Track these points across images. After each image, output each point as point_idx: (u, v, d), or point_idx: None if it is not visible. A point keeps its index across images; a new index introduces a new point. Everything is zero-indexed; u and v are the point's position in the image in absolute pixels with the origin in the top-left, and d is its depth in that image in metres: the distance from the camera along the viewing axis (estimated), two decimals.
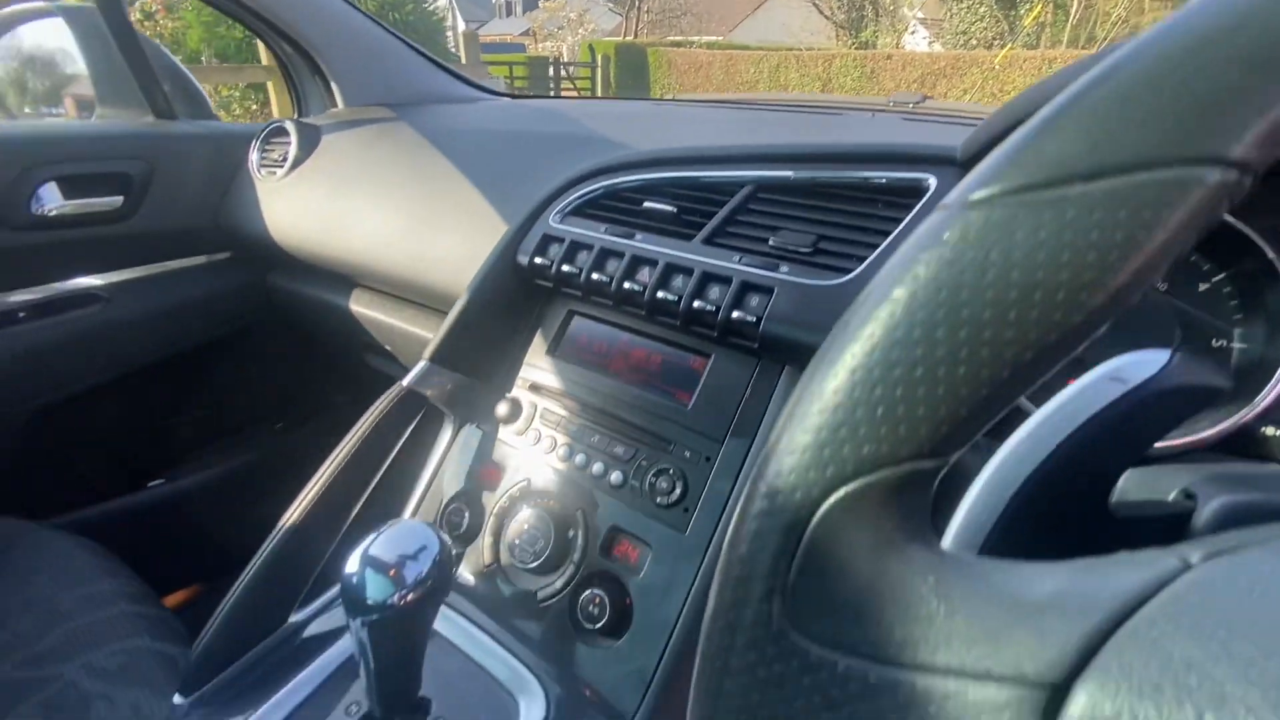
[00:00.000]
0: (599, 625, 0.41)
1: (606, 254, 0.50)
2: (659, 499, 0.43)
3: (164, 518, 0.95)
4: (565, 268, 0.51)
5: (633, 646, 0.40)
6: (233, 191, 0.94)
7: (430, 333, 0.79)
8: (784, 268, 0.43)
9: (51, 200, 0.81)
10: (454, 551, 0.32)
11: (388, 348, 0.87)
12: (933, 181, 0.42)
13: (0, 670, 0.55)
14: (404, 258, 0.76)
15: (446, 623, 0.42)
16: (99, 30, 0.92)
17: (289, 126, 0.92)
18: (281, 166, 0.90)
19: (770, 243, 0.45)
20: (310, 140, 0.91)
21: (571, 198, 0.55)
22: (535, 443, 0.50)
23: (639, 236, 0.50)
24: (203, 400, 1.03)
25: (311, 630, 0.44)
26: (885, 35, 12.73)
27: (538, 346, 0.55)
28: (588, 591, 0.42)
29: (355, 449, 0.48)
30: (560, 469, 0.48)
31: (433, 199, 0.77)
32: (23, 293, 0.82)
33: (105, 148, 0.85)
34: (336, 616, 0.45)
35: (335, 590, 0.47)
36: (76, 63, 0.93)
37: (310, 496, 0.46)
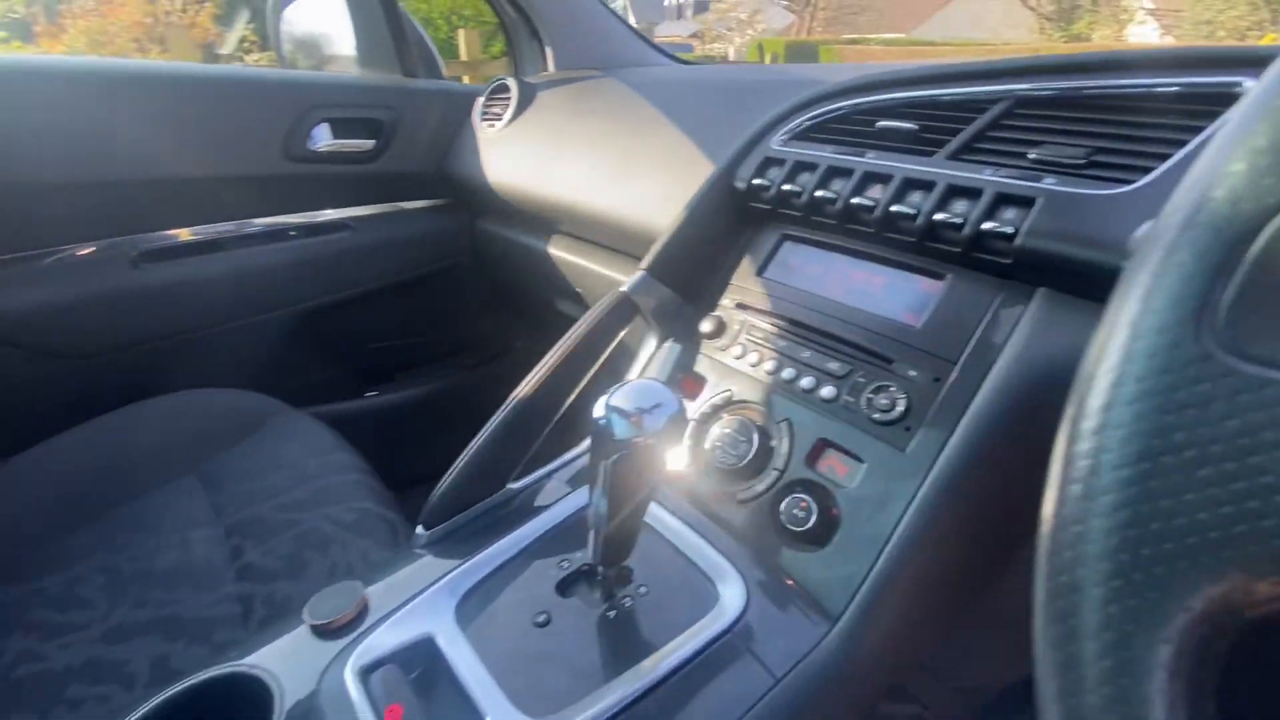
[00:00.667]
0: (803, 529, 0.40)
1: (834, 172, 0.49)
2: (876, 415, 0.41)
3: (371, 424, 1.09)
4: (787, 187, 0.50)
5: (840, 554, 0.38)
6: (457, 143, 1.06)
7: (622, 275, 0.83)
8: (1048, 180, 0.39)
9: (323, 138, 0.96)
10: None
11: (579, 290, 0.93)
12: (1248, 84, 0.36)
13: (263, 510, 0.67)
14: (605, 201, 0.80)
15: (653, 509, 0.44)
16: (366, 2, 1.08)
17: (510, 84, 1.01)
18: (500, 120, 1.00)
19: (1030, 156, 0.41)
20: (527, 96, 1.00)
21: (795, 123, 0.55)
22: (739, 357, 0.50)
23: (870, 155, 0.49)
24: (410, 328, 1.16)
25: (524, 498, 0.48)
26: (1104, 27, 11.20)
27: (746, 268, 0.55)
28: (791, 496, 0.41)
29: (574, 345, 0.52)
30: (764, 382, 0.48)
31: (635, 145, 0.81)
32: (294, 216, 0.98)
33: (366, 97, 1.00)
34: (548, 490, 0.48)
35: (548, 467, 0.50)
36: (346, 28, 1.10)
37: (533, 382, 0.49)
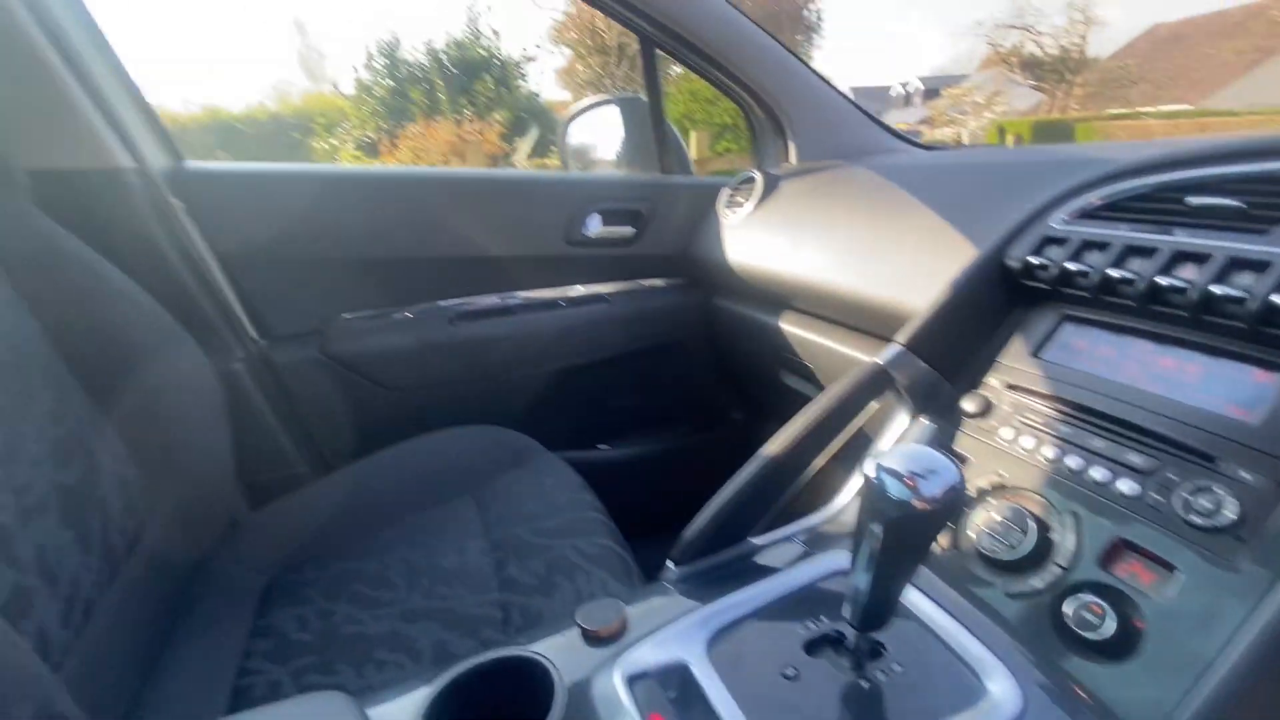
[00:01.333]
0: (1095, 638, 0.36)
1: (1132, 251, 0.45)
2: (1195, 519, 0.36)
3: (605, 472, 1.20)
4: (1072, 266, 0.48)
5: (1148, 673, 0.33)
6: (701, 229, 1.17)
7: (860, 353, 0.84)
8: None
9: (594, 226, 1.14)
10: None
11: (810, 366, 0.95)
12: None
13: (522, 532, 0.77)
14: (849, 280, 0.82)
15: (907, 593, 0.42)
16: (634, 112, 1.28)
17: (756, 175, 1.11)
18: (743, 207, 1.09)
19: None
20: (771, 185, 1.08)
21: (1081, 201, 0.52)
22: (1011, 440, 0.47)
23: (1178, 233, 0.44)
24: (644, 391, 1.27)
25: (766, 553, 0.50)
26: None
27: (1018, 348, 0.52)
28: (1080, 597, 0.37)
29: (825, 412, 0.53)
30: (1043, 468, 0.44)
31: (883, 227, 0.82)
32: (564, 289, 1.17)
33: (630, 191, 1.16)
34: (788, 549, 0.50)
35: (790, 527, 0.52)
36: (617, 136, 1.30)
37: (783, 442, 0.52)
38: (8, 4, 0.78)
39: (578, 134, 1.43)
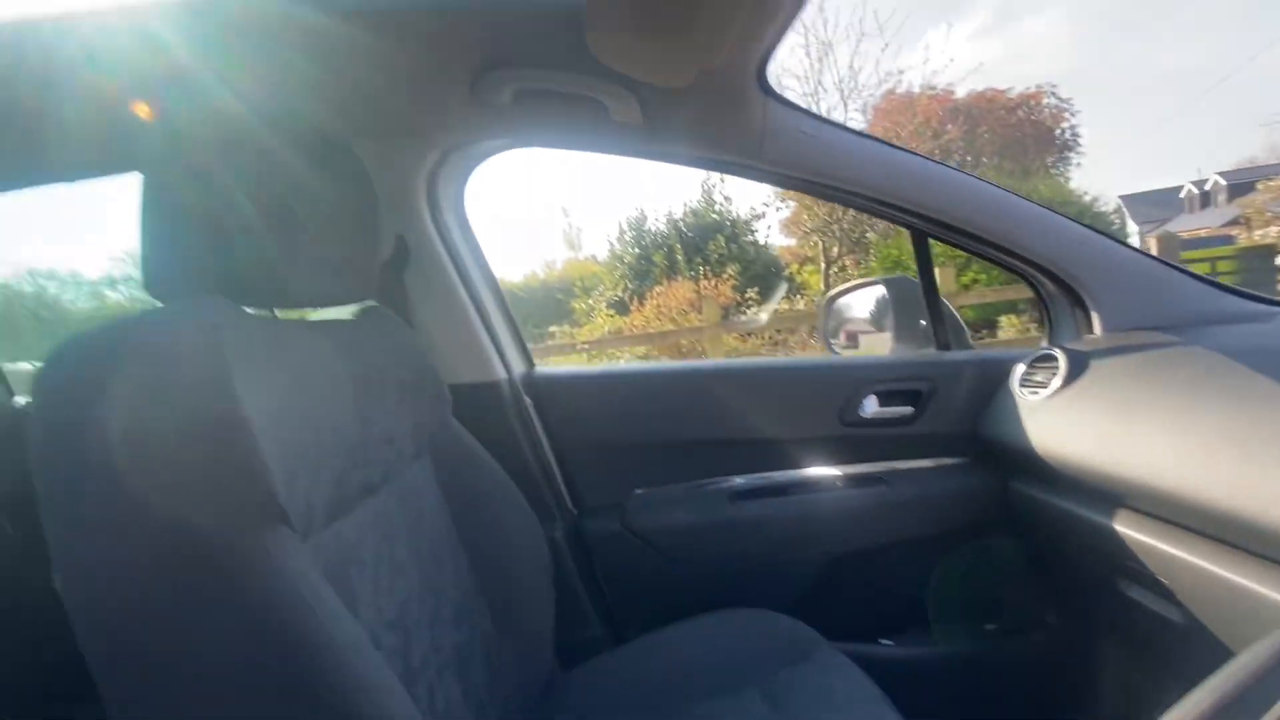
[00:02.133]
0: None
1: None
2: None
3: (886, 671, 1.10)
4: None
5: None
6: (992, 407, 1.11)
7: (1257, 583, 0.67)
8: None
9: (871, 408, 1.15)
10: None
11: (1165, 582, 0.79)
12: None
13: None
14: (1222, 489, 0.69)
15: None
16: (903, 291, 1.31)
17: (1056, 354, 1.03)
18: (1045, 388, 1.01)
19: None
20: (1078, 364, 0.99)
21: None
22: None
23: None
24: (930, 581, 1.17)
25: None
26: None
27: None
28: None
29: (1242, 686, 0.45)
30: None
31: (1264, 420, 0.69)
32: (841, 469, 1.17)
33: (907, 371, 1.16)
34: None
35: None
36: (888, 314, 1.34)
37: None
38: (433, 246, 1.12)
39: (840, 312, 1.50)
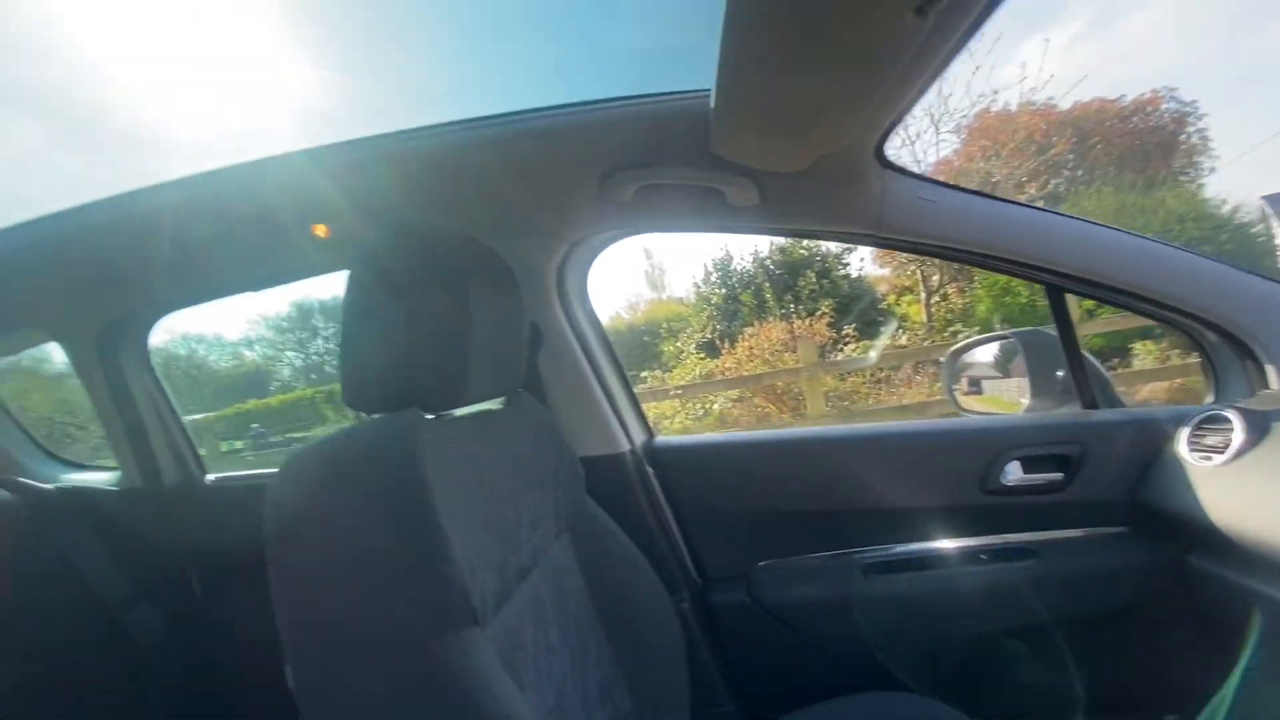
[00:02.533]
0: None
1: None
2: None
3: None
4: None
5: None
6: (1155, 472, 1.01)
7: None
8: None
9: (1014, 474, 1.09)
10: None
11: None
12: None
13: None
14: None
15: None
16: (1037, 346, 1.24)
17: (1229, 415, 0.94)
18: (1219, 452, 0.91)
19: None
20: (1258, 427, 0.89)
21: None
22: None
23: None
24: (1092, 664, 1.07)
25: None
26: None
27: None
28: None
29: None
30: None
31: None
32: (984, 540, 1.10)
33: (1052, 435, 1.09)
34: None
35: None
36: (1021, 369, 1.27)
37: None
38: (562, 329, 1.18)
39: (965, 367, 1.44)
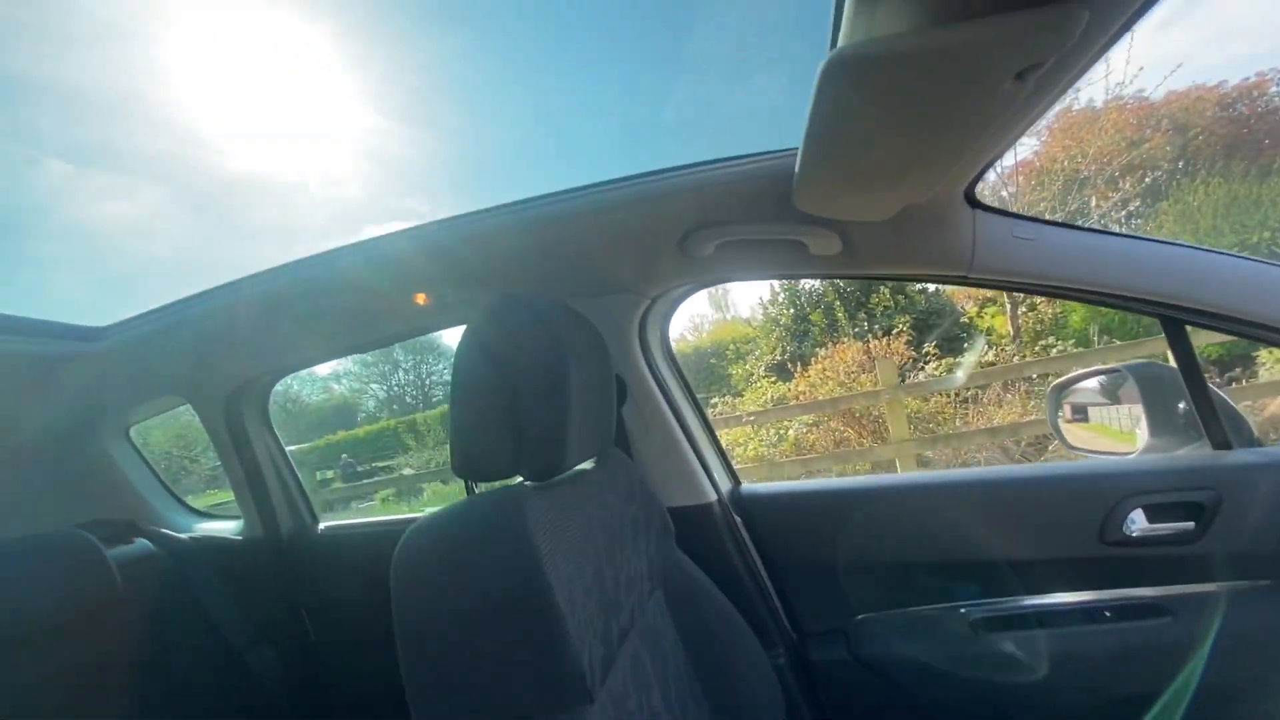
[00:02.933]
0: None
1: None
2: None
3: None
4: None
5: None
6: None
7: None
8: None
9: (1139, 523, 1.01)
10: None
11: None
12: None
13: None
14: None
15: None
16: (1153, 380, 1.15)
17: None
18: None
19: None
20: None
21: None
22: None
23: None
24: None
25: None
26: None
27: None
28: None
29: None
30: None
31: None
32: (1109, 595, 1.02)
33: (1179, 480, 1.01)
34: None
35: None
36: (1136, 403, 1.17)
37: None
38: (646, 382, 1.20)
39: (1071, 403, 1.35)
